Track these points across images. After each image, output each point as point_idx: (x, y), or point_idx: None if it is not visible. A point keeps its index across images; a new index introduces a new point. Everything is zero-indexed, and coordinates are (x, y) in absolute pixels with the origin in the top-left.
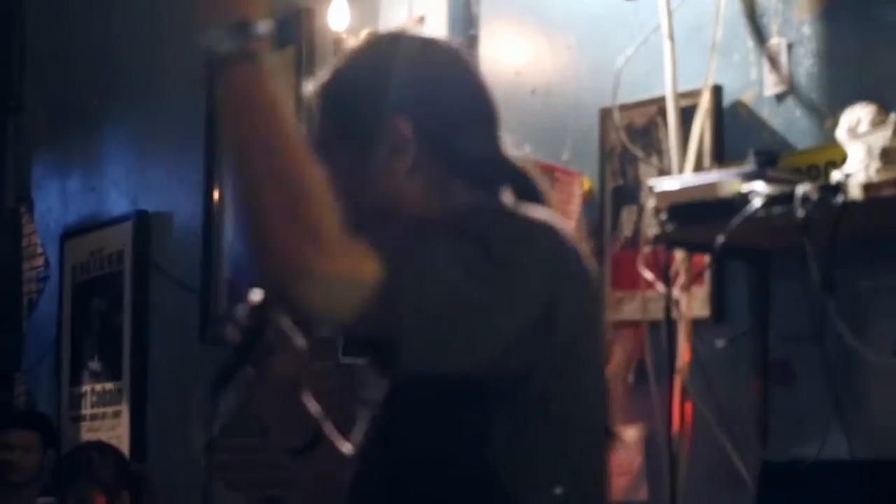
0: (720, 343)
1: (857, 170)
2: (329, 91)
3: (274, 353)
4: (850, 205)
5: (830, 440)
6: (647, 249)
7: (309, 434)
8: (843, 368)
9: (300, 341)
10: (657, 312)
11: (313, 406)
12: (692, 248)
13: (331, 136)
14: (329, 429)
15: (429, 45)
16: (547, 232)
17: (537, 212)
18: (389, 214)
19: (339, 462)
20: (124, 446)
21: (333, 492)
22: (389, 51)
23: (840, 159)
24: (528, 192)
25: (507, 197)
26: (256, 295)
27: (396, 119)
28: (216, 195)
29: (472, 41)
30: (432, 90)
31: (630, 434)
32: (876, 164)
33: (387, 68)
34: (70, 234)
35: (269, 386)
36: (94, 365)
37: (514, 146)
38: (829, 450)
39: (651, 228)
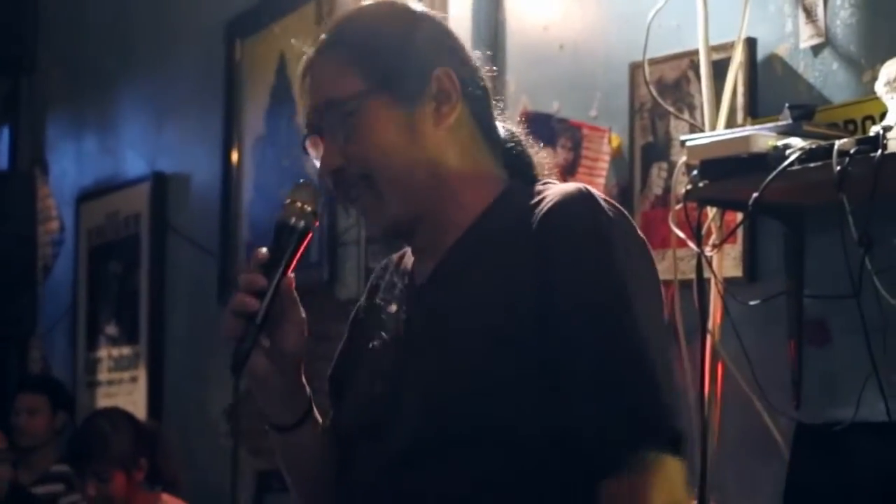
0: (753, 302)
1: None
2: (358, 44)
3: (280, 324)
4: (889, 159)
5: (866, 402)
6: (678, 207)
7: (299, 411)
8: (880, 328)
9: (301, 311)
10: (689, 272)
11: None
12: (724, 205)
13: (366, 90)
14: (315, 407)
15: (425, 13)
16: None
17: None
18: (427, 170)
19: (321, 441)
20: (141, 412)
21: (311, 470)
22: (402, 9)
23: (878, 113)
24: (522, 162)
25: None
26: (262, 256)
27: (446, 69)
28: (235, 156)
29: None
30: (458, 46)
31: None
32: None
33: (412, 23)
34: (85, 196)
35: (275, 359)
36: (111, 329)
37: (543, 103)
38: (865, 411)
39: (682, 185)
